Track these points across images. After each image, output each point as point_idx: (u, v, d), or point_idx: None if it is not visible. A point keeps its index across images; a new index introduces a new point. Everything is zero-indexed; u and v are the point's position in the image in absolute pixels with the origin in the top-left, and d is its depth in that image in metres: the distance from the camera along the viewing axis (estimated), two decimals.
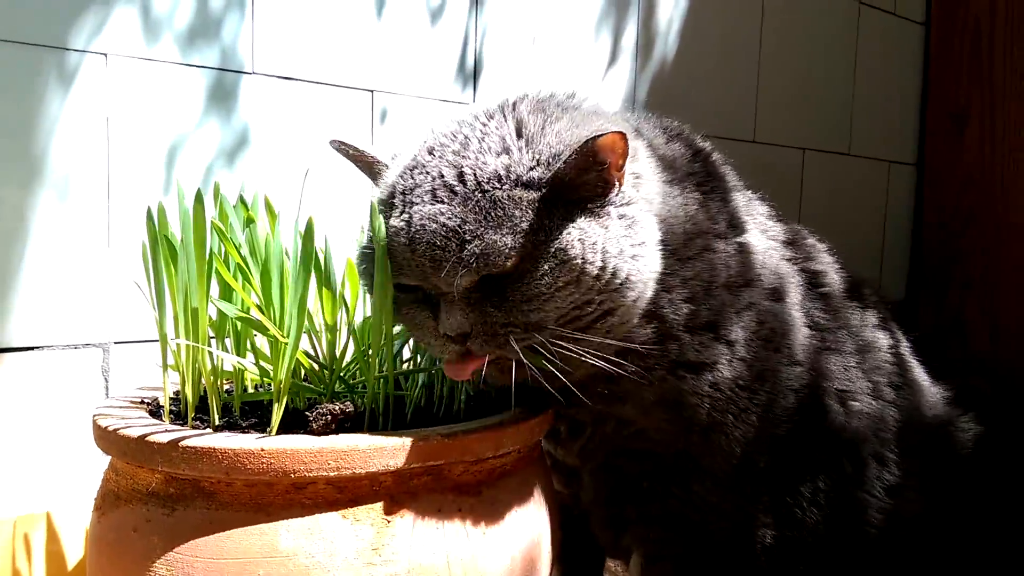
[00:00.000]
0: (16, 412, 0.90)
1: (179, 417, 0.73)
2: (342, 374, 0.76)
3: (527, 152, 0.70)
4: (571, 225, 0.69)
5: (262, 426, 0.71)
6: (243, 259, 0.72)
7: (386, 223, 0.71)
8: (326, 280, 0.69)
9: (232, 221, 0.75)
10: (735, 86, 1.58)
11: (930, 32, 1.91)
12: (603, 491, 0.88)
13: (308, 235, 0.66)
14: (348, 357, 0.79)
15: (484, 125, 0.73)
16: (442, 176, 0.70)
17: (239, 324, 0.75)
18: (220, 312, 0.73)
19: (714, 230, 0.82)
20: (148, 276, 0.73)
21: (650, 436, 0.82)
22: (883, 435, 0.90)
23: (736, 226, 0.84)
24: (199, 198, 0.66)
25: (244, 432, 0.68)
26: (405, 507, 0.65)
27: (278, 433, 0.66)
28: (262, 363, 0.75)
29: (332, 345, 0.74)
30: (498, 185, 0.69)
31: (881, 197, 1.89)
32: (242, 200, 0.78)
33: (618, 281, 0.71)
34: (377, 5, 1.12)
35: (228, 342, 0.76)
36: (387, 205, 0.73)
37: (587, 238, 0.69)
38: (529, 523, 0.73)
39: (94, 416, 0.70)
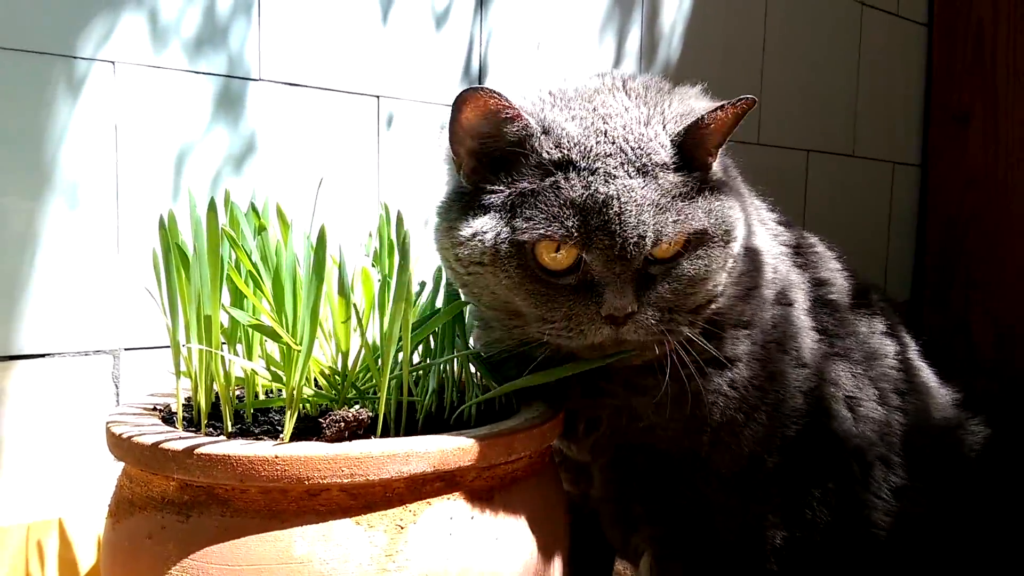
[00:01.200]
0: (28, 419, 0.91)
1: (191, 424, 0.74)
2: (354, 380, 0.77)
3: (659, 120, 0.74)
4: (721, 203, 0.75)
5: (274, 432, 0.71)
6: (254, 266, 0.73)
7: (571, 186, 0.70)
8: (340, 287, 0.70)
9: (244, 229, 0.75)
10: (738, 88, 1.57)
11: (933, 33, 1.91)
12: (612, 487, 0.89)
13: (320, 243, 0.67)
14: (359, 363, 0.79)
15: (621, 100, 0.76)
16: (624, 152, 0.71)
17: (250, 331, 0.75)
18: (231, 319, 0.73)
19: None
20: (160, 284, 0.73)
21: (657, 433, 0.82)
22: (889, 439, 0.91)
23: (748, 230, 0.84)
24: (212, 206, 0.67)
25: (257, 438, 0.68)
26: (418, 513, 0.65)
27: (291, 440, 0.66)
28: (273, 368, 0.76)
29: (345, 352, 0.74)
30: (667, 164, 0.72)
31: (885, 198, 1.90)
32: (253, 208, 0.78)
33: (739, 254, 0.77)
34: (383, 11, 1.12)
35: (239, 348, 0.77)
36: (570, 166, 0.71)
37: (734, 212, 0.75)
38: (541, 528, 0.74)
39: (107, 423, 0.71)
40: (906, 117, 1.92)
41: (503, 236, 0.71)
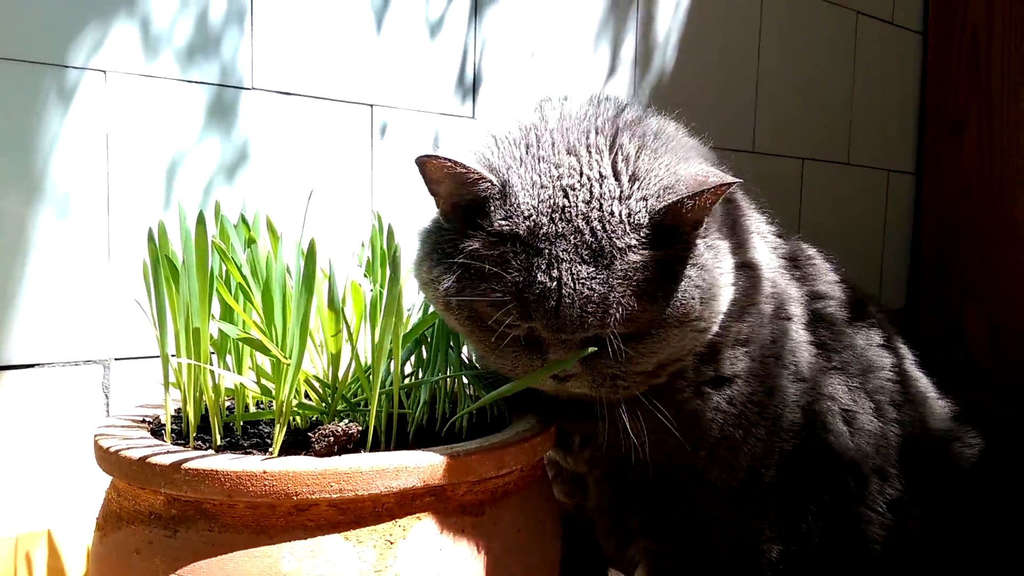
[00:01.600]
0: (17, 429, 0.90)
1: (180, 436, 0.73)
2: (344, 393, 0.76)
3: (637, 192, 0.69)
4: (685, 279, 0.70)
5: (263, 445, 0.71)
6: (244, 279, 0.72)
7: (516, 266, 0.68)
8: (330, 301, 0.69)
9: (233, 241, 0.75)
10: (734, 96, 1.58)
11: (928, 41, 1.92)
12: (608, 499, 0.88)
13: (310, 256, 0.66)
14: (350, 375, 0.79)
15: (599, 163, 0.71)
16: (580, 232, 0.67)
17: (240, 343, 0.75)
18: (221, 331, 0.73)
19: (742, 257, 0.82)
20: (149, 295, 0.73)
21: (655, 447, 0.82)
22: (885, 451, 0.90)
23: (746, 245, 0.84)
24: (201, 219, 0.66)
25: (245, 452, 0.68)
26: (408, 528, 0.65)
27: (280, 453, 0.66)
28: (263, 381, 0.75)
29: (335, 364, 0.74)
30: (632, 245, 0.68)
31: (880, 206, 1.90)
32: (243, 219, 0.78)
33: (714, 320, 0.73)
34: (376, 19, 1.12)
35: (229, 359, 0.76)
36: (518, 240, 0.68)
37: (699, 292, 0.70)
38: (532, 541, 0.73)
39: (95, 436, 0.70)
40: (901, 125, 1.92)
41: (451, 292, 0.71)
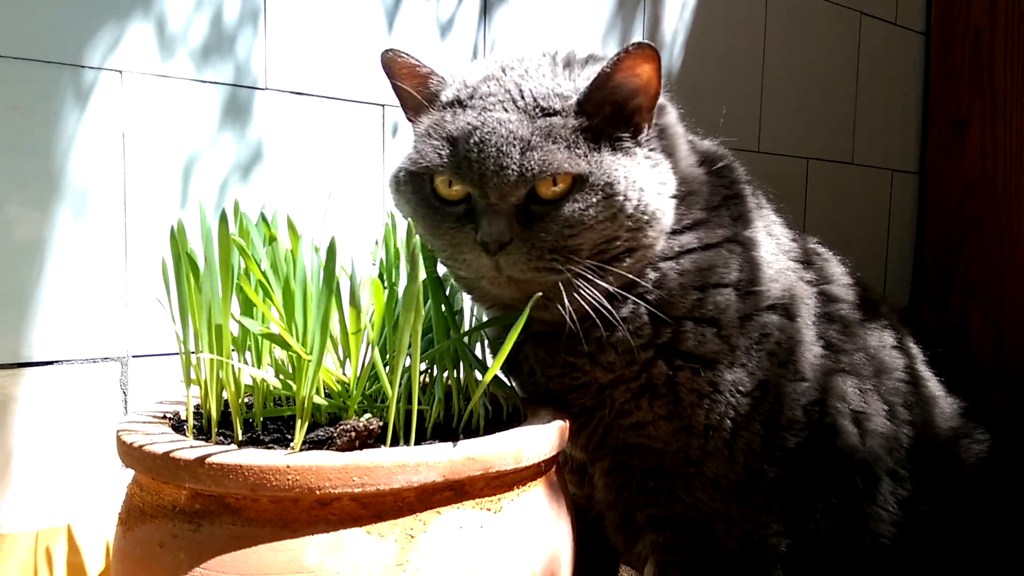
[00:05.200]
0: (36, 425, 0.91)
1: (201, 432, 0.74)
2: (363, 389, 0.77)
3: (570, 80, 0.78)
4: (615, 160, 0.75)
5: (284, 440, 0.72)
6: (264, 276, 0.73)
7: (452, 120, 0.76)
8: (351, 299, 0.70)
9: (254, 238, 0.76)
10: (739, 97, 1.59)
11: (931, 41, 1.93)
12: (613, 492, 0.89)
13: (331, 254, 0.67)
14: (367, 371, 0.80)
15: (539, 61, 0.80)
16: (509, 91, 0.76)
17: (259, 339, 0.75)
18: (241, 327, 0.74)
19: (729, 234, 0.84)
20: (169, 292, 0.74)
21: (649, 432, 0.83)
22: (897, 454, 0.91)
23: (751, 240, 0.85)
24: (223, 217, 0.67)
25: (267, 447, 0.69)
26: (428, 523, 0.66)
27: (301, 449, 0.67)
28: (283, 377, 0.76)
29: (354, 361, 0.75)
30: (557, 110, 0.75)
31: (884, 205, 1.91)
32: (263, 218, 0.78)
33: (645, 219, 0.76)
34: (388, 20, 1.13)
35: (248, 356, 0.77)
36: (458, 103, 0.77)
37: (629, 175, 0.75)
38: (549, 536, 0.74)
39: (118, 432, 0.71)
40: (904, 125, 1.93)
41: (402, 166, 0.80)
